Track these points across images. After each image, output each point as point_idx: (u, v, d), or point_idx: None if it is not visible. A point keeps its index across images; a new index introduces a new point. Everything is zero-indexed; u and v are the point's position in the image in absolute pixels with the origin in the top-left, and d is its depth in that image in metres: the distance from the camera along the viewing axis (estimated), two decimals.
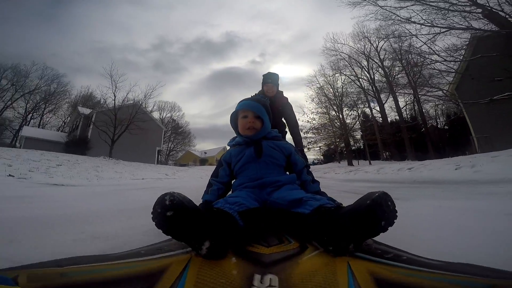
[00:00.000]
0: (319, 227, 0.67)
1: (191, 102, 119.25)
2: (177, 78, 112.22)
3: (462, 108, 13.79)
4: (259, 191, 1.03)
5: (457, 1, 9.75)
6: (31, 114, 34.04)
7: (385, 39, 16.29)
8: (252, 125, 1.19)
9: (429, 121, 30.71)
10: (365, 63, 25.85)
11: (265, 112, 1.24)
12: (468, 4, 9.67)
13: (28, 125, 31.75)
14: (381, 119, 27.10)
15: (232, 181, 1.22)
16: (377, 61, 25.36)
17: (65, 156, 11.97)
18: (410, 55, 14.81)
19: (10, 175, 5.09)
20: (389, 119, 28.65)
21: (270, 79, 2.76)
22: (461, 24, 10.06)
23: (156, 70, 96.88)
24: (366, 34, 23.60)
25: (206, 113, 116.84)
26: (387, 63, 24.57)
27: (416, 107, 28.99)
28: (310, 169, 1.26)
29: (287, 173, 1.22)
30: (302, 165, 1.21)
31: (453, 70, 11.90)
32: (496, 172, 4.15)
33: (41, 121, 35.95)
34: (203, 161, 44.89)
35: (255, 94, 2.86)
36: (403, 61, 19.35)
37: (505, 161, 4.95)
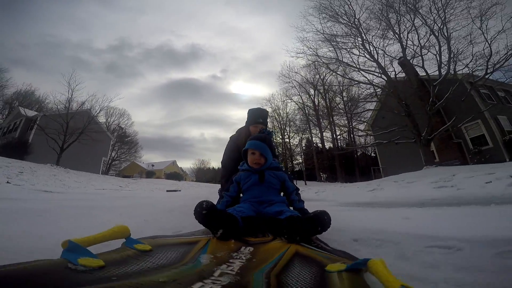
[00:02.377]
0: (285, 228, 1.11)
1: (141, 109, 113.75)
2: (130, 83, 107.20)
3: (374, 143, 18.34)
4: (258, 205, 1.51)
5: (363, 66, 13.44)
6: None
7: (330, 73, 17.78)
8: (258, 161, 1.63)
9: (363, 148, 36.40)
10: (312, 91, 29.56)
11: (269, 151, 1.66)
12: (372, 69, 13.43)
13: None
14: (320, 144, 31.87)
15: (241, 195, 1.70)
16: (321, 91, 28.90)
17: (17, 163, 12.00)
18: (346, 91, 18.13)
19: (8, 182, 6.07)
20: (328, 145, 33.74)
21: (262, 119, 2.41)
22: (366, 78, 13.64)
23: (109, 72, 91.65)
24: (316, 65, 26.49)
25: (156, 122, 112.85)
26: (330, 94, 27.38)
27: (350, 135, 34.87)
28: (299, 191, 1.75)
29: (282, 194, 1.71)
30: (292, 189, 1.69)
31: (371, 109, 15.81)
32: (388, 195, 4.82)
33: None
34: (149, 174, 43.71)
35: (237, 129, 2.64)
36: (343, 93, 22.00)
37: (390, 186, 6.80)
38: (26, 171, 10.03)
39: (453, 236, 1.17)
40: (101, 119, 28.11)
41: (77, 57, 77.65)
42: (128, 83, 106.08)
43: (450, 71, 10.61)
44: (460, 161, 12.88)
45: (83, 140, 19.19)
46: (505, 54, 9.40)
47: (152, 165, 53.70)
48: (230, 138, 2.70)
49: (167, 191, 14.20)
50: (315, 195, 6.58)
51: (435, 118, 11.88)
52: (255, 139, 1.68)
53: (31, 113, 23.22)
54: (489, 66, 9.69)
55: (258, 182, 1.60)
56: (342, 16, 13.09)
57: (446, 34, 10.58)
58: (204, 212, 1.10)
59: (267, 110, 2.67)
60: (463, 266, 0.89)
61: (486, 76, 10.01)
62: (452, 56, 10.49)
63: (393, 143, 12.76)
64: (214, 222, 1.10)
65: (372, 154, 40.37)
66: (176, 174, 38.90)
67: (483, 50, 9.97)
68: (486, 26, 10.00)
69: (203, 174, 60.03)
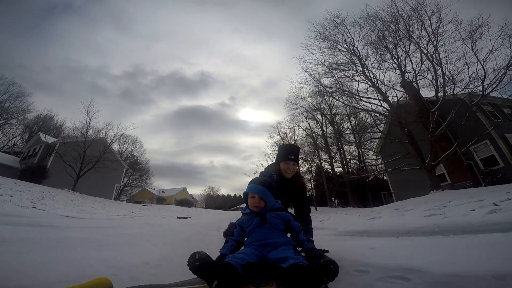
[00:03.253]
0: (288, 278, 1.08)
1: (152, 136, 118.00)
2: (143, 110, 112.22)
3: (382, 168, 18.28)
4: (262, 249, 1.46)
5: (364, 96, 13.92)
6: None
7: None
8: (257, 204, 1.63)
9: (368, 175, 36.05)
10: (320, 117, 29.66)
11: (269, 194, 1.67)
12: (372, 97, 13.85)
13: None
14: (330, 170, 31.63)
15: (245, 239, 1.66)
16: (329, 116, 28.93)
17: (37, 187, 12.68)
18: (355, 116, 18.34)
19: (34, 207, 6.56)
20: (338, 170, 33.47)
21: (293, 155, 2.32)
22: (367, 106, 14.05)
23: (124, 98, 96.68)
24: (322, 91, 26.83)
25: (167, 150, 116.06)
26: (338, 118, 27.80)
27: (360, 161, 34.69)
28: (309, 226, 1.83)
29: (288, 234, 1.67)
30: (298, 229, 1.64)
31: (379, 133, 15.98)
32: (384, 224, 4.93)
33: None
34: (160, 200, 44.12)
35: (267, 166, 2.58)
36: (351, 118, 22.33)
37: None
38: (46, 196, 10.61)
39: (405, 266, 1.48)
40: (115, 146, 29.19)
41: (95, 83, 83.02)
42: (141, 110, 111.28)
43: (446, 94, 10.87)
44: (472, 182, 12.68)
45: (98, 168, 20.01)
46: (495, 76, 9.61)
47: (163, 192, 54.23)
48: (260, 174, 2.63)
49: (178, 217, 14.44)
50: (320, 223, 6.79)
51: (441, 142, 12.02)
52: (255, 183, 1.71)
53: (50, 139, 24.46)
54: (485, 87, 9.84)
55: (260, 224, 1.60)
56: (342, 44, 13.90)
57: (438, 58, 10.99)
58: (198, 264, 1.09)
59: (298, 146, 2.51)
60: None
61: (483, 97, 10.12)
62: (448, 79, 10.79)
63: (398, 170, 12.82)
64: (209, 274, 1.09)
65: (384, 178, 39.72)
66: (186, 201, 39.17)
67: (476, 71, 10.15)
68: (475, 46, 10.26)
69: (212, 201, 59.98)
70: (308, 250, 1.55)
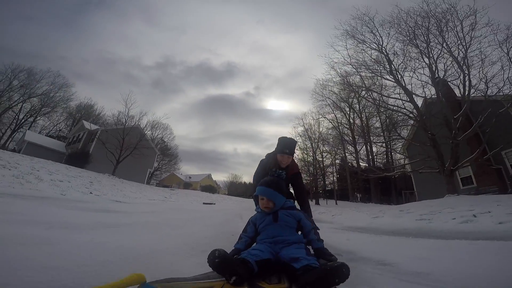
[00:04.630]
0: (300, 279, 1.15)
1: (180, 123, 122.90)
2: (173, 98, 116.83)
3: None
4: (274, 245, 1.54)
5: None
6: (26, 116, 34.18)
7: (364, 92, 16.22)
8: (267, 205, 1.75)
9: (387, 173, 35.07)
10: (347, 109, 28.60)
11: (277, 195, 1.77)
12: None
13: (20, 126, 33.13)
14: (356, 164, 31.16)
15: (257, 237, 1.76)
16: (356, 110, 28.24)
17: (85, 172, 14.57)
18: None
19: (90, 192, 7.94)
20: (363, 164, 32.86)
21: (288, 150, 2.61)
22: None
23: (155, 88, 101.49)
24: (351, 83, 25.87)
25: (194, 136, 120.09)
26: (367, 111, 27.02)
27: (388, 156, 33.84)
28: (318, 230, 1.80)
29: (299, 232, 1.75)
30: (309, 227, 1.74)
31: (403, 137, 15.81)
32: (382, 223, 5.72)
33: (33, 123, 35.82)
34: (186, 185, 46.67)
35: (267, 154, 2.89)
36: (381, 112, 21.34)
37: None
38: (93, 181, 12.26)
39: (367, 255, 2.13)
40: (148, 133, 31.36)
41: (129, 73, 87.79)
42: (171, 98, 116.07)
43: (476, 95, 10.63)
44: (498, 188, 12.37)
45: (135, 154, 22.00)
46: None
47: (189, 177, 57.13)
48: (260, 161, 2.89)
49: (204, 203, 15.76)
50: (330, 217, 7.38)
51: (473, 144, 11.82)
52: (262, 185, 1.81)
53: (93, 126, 26.85)
54: None
55: (272, 222, 1.70)
56: (370, 43, 13.74)
57: (467, 63, 10.65)
58: (217, 260, 1.17)
59: (296, 140, 2.76)
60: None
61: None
62: (480, 81, 10.50)
63: (417, 171, 12.80)
64: (227, 270, 1.17)
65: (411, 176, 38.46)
66: (210, 187, 40.85)
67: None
68: (510, 51, 9.86)
69: (235, 188, 61.94)
70: (317, 249, 1.66)
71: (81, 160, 20.29)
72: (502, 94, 10.39)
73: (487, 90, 10.52)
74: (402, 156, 23.95)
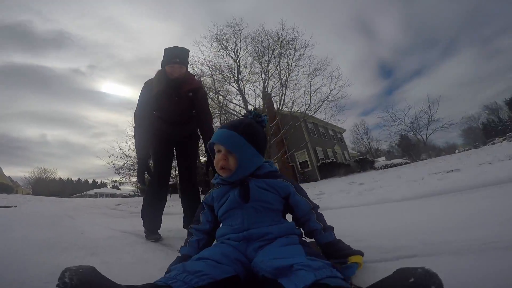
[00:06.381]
0: None
1: None
2: None
3: None
4: (245, 246, 0.83)
5: None
6: None
7: None
8: (224, 164, 0.92)
9: None
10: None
11: (246, 145, 0.94)
12: None
13: None
14: None
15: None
16: None
17: None
18: None
19: None
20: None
21: (178, 58, 1.94)
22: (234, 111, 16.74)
23: None
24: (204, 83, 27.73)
25: None
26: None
27: None
28: (319, 211, 0.98)
29: (289, 219, 0.98)
30: (307, 209, 0.94)
31: None
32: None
33: None
34: None
35: (154, 76, 2.04)
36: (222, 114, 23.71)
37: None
38: None
39: None
40: None
41: None
42: None
43: (285, 111, 14.84)
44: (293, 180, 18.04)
45: None
46: (316, 104, 14.28)
47: None
48: (144, 84, 2.08)
49: None
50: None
51: (280, 147, 16.23)
52: (222, 127, 1.00)
53: None
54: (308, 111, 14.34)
55: (240, 201, 0.92)
56: (231, 52, 15.16)
57: (286, 85, 14.54)
58: None
59: (187, 48, 2.02)
60: None
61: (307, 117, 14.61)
62: (290, 100, 14.68)
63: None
64: None
65: None
66: (3, 185, 29.41)
67: (310, 99, 14.46)
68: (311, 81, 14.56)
69: (45, 186, 47.61)
70: (327, 245, 0.89)
71: None
72: (299, 112, 14.94)
73: (292, 108, 14.79)
74: None
